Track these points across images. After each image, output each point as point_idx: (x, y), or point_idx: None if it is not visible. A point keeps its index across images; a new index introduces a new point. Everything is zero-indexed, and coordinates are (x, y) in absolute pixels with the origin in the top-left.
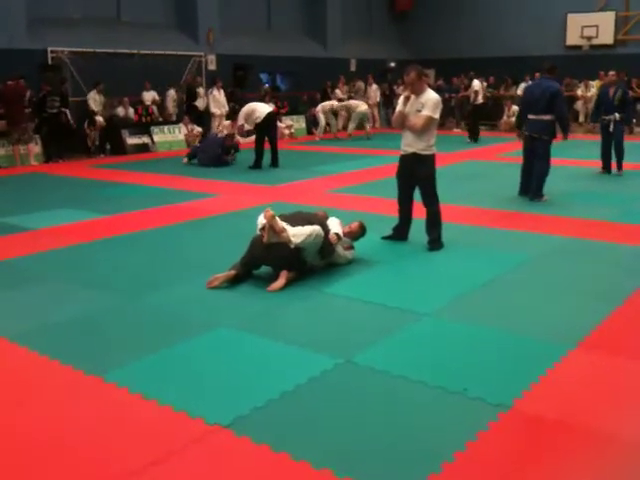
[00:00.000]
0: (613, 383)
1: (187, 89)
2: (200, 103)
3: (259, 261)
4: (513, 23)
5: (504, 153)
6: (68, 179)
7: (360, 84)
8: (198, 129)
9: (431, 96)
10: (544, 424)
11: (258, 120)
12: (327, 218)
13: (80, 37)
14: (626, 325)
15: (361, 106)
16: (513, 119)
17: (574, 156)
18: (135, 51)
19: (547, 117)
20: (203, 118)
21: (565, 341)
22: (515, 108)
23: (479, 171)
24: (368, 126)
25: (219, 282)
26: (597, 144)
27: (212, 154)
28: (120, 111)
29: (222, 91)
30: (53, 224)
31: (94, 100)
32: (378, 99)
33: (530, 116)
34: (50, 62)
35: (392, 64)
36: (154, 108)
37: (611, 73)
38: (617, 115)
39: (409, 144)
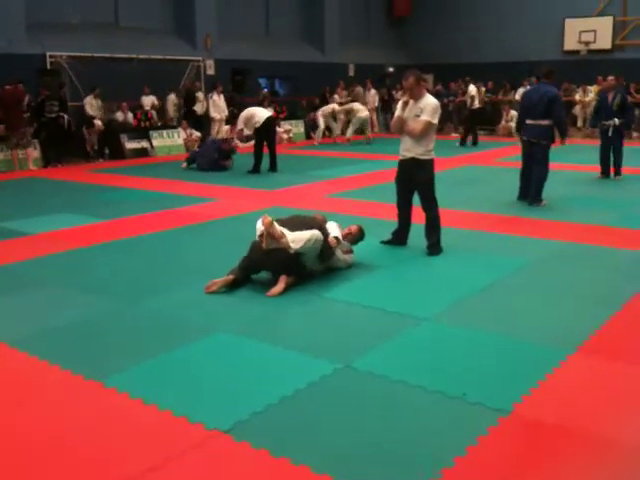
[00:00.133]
0: (612, 388)
1: (185, 94)
2: (198, 108)
3: (258, 266)
4: (511, 28)
5: (502, 158)
6: (67, 184)
7: (359, 89)
8: (197, 134)
9: (430, 101)
10: (544, 429)
11: (257, 125)
12: (326, 222)
13: (79, 42)
14: (625, 330)
15: (362, 111)
16: (511, 124)
17: (573, 161)
18: (134, 56)
19: (545, 122)
20: (202, 123)
21: (564, 346)
22: (513, 113)
23: (478, 176)
24: (368, 131)
25: (217, 287)
26: (596, 149)
27: (210, 159)
28: (119, 116)
29: (222, 96)
30: (52, 229)
31: (90, 105)
32: (377, 104)
33: (528, 121)
34: (49, 67)
35: (391, 69)
36: (153, 113)
37: (610, 78)
38: (616, 120)
39: (408, 149)
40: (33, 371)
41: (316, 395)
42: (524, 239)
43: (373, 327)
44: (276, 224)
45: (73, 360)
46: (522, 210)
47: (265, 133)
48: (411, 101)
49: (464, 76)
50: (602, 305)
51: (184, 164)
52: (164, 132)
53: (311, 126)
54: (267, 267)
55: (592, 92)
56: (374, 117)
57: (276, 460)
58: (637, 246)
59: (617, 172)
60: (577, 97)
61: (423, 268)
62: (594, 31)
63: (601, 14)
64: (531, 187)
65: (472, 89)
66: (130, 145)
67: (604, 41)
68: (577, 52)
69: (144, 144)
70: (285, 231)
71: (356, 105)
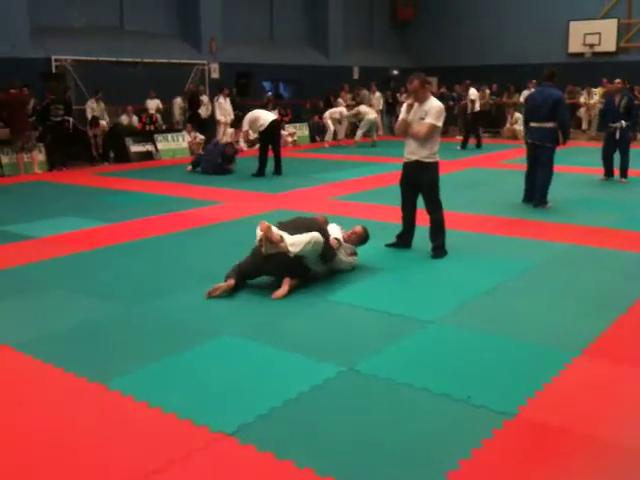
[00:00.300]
0: (617, 391)
1: (190, 97)
2: (203, 111)
3: (259, 272)
4: (515, 31)
5: (507, 160)
6: (72, 187)
7: (364, 92)
8: (200, 137)
9: (434, 104)
10: (549, 431)
11: (262, 128)
12: (327, 223)
13: (83, 46)
14: (630, 332)
15: (370, 113)
16: (516, 126)
17: (577, 163)
18: (138, 60)
19: (549, 124)
20: (206, 126)
21: (569, 349)
22: (518, 115)
23: (482, 178)
24: (375, 134)
25: (220, 292)
26: (600, 151)
27: (214, 163)
28: (124, 119)
29: (228, 99)
30: (56, 232)
31: (92, 109)
32: (381, 107)
33: (532, 124)
34: (53, 71)
35: (395, 72)
36: (158, 116)
37: (617, 81)
38: (623, 122)
39: (412, 152)
40: (37, 374)
41: (320, 398)
42: (529, 241)
43: (377, 330)
44: (274, 228)
45: (77, 363)
46: (526, 212)
47: (270, 136)
48: (416, 104)
49: (468, 79)
50: (607, 308)
51: (189, 167)
52: (169, 135)
53: (316, 129)
54: (268, 272)
55: (597, 94)
56: (379, 120)
57: (281, 463)
58: None
59: (623, 175)
60: (582, 100)
61: (427, 271)
62: (599, 34)
63: (605, 17)
64: (536, 190)
65: (472, 92)
66: (135, 148)
67: (608, 44)
68: (582, 55)
69: (149, 147)
70: (284, 235)
71: (363, 107)
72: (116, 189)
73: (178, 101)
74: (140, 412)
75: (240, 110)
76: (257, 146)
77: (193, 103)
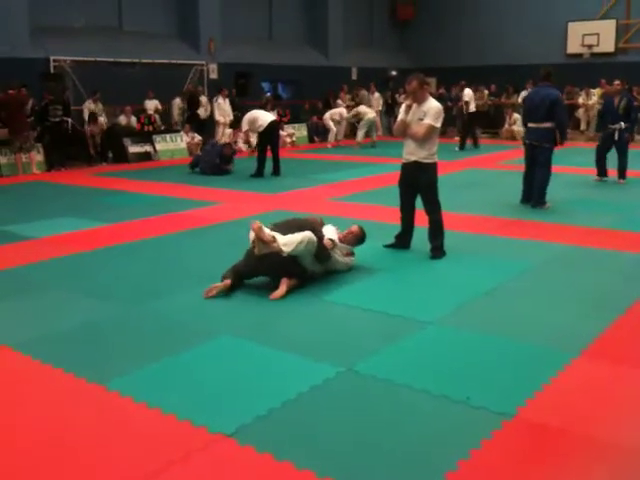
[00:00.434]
0: (617, 392)
1: (189, 97)
2: (202, 112)
3: (253, 273)
4: (514, 31)
5: (505, 161)
6: (70, 187)
7: (364, 92)
8: (199, 137)
9: (433, 105)
10: (548, 432)
11: (261, 129)
12: (322, 224)
13: (82, 46)
14: (629, 333)
15: (370, 113)
16: (514, 127)
17: (575, 164)
18: (137, 60)
19: (547, 125)
20: (204, 126)
21: (569, 349)
22: (516, 116)
23: (480, 179)
24: (374, 134)
25: (217, 291)
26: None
27: (212, 163)
28: (122, 120)
29: (227, 100)
30: (55, 233)
31: (89, 109)
32: (380, 107)
33: (530, 124)
34: (52, 71)
35: (394, 72)
36: (156, 117)
37: (616, 82)
38: (622, 124)
39: (411, 152)
40: (36, 374)
41: (319, 399)
42: (527, 242)
43: (376, 330)
44: (265, 229)
45: (76, 364)
46: (525, 213)
47: (268, 137)
48: (414, 104)
49: (467, 79)
50: (606, 309)
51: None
52: (167, 136)
53: (314, 130)
54: (262, 272)
55: (595, 95)
56: (378, 120)
57: (279, 464)
58: None
59: (621, 175)
60: (580, 100)
61: (426, 271)
62: (597, 34)
63: (604, 17)
64: (534, 190)
65: (466, 93)
66: (133, 149)
67: (607, 44)
68: (580, 55)
69: (147, 148)
70: (277, 235)
71: (362, 108)
72: (114, 190)
73: (177, 102)
74: (139, 413)
75: (239, 111)
76: (255, 147)
77: (192, 104)
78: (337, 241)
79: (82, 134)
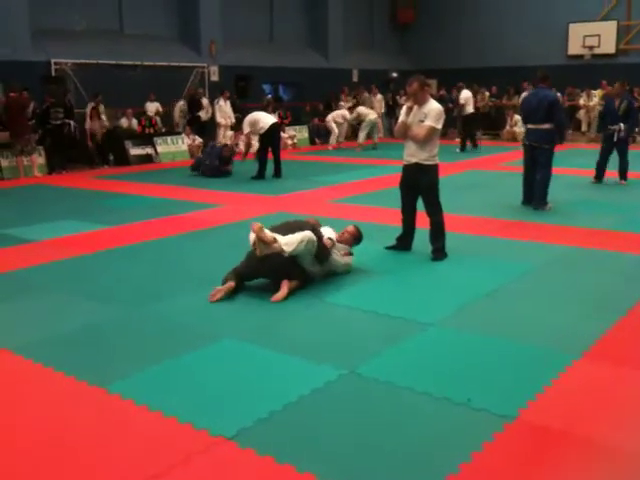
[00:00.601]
0: (618, 393)
1: (189, 100)
2: (203, 114)
3: (255, 274)
4: (515, 33)
5: (506, 162)
6: (71, 190)
7: (366, 94)
8: (199, 140)
9: (434, 106)
10: (549, 434)
11: (262, 131)
12: (319, 225)
13: (83, 49)
14: (631, 335)
15: (371, 114)
16: (515, 128)
17: (577, 165)
18: (138, 63)
19: (545, 126)
20: (206, 129)
21: (570, 351)
22: (517, 117)
23: (482, 180)
24: (376, 135)
25: (222, 295)
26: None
27: (211, 166)
28: (123, 122)
29: (228, 102)
30: (56, 235)
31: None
32: (383, 109)
33: (529, 126)
34: (53, 74)
35: (394, 74)
36: (157, 119)
37: (617, 84)
38: (622, 125)
39: (412, 154)
40: (37, 377)
41: (321, 401)
42: (528, 244)
43: (378, 332)
44: (266, 229)
45: (77, 367)
46: (526, 214)
47: (270, 139)
48: (415, 106)
49: (468, 81)
50: (607, 310)
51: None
52: (168, 138)
53: (315, 132)
54: (264, 274)
55: (596, 96)
56: (380, 122)
57: (281, 467)
58: None
59: (623, 177)
60: (581, 101)
61: (428, 273)
62: (598, 35)
63: (605, 19)
64: (535, 191)
65: (462, 96)
66: (134, 151)
67: (608, 45)
68: (581, 57)
69: (148, 150)
70: (277, 236)
71: (362, 109)
72: (116, 192)
73: (180, 104)
74: (140, 416)
75: (240, 113)
76: (256, 149)
77: (193, 106)
78: (335, 241)
79: (84, 137)
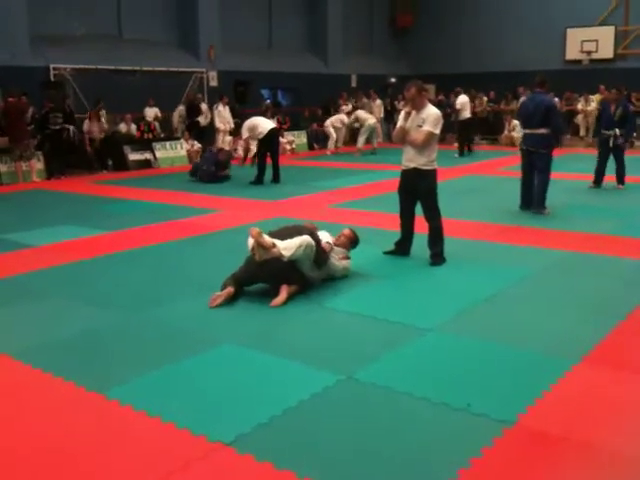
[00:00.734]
0: (617, 398)
1: (188, 105)
2: (202, 119)
3: (255, 279)
4: (513, 38)
5: (505, 167)
6: (70, 195)
7: (365, 100)
8: (198, 145)
9: (432, 111)
10: (548, 440)
11: (261, 136)
12: (317, 229)
13: (82, 54)
14: (630, 339)
15: (370, 119)
16: (513, 133)
17: (575, 170)
18: (137, 68)
19: (542, 131)
20: (205, 134)
21: (569, 356)
22: (515, 122)
23: (480, 185)
24: (375, 140)
25: (221, 300)
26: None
27: (208, 172)
28: (122, 127)
29: (227, 107)
30: (55, 241)
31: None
32: (382, 114)
33: (526, 130)
34: (52, 79)
35: (393, 79)
36: (156, 124)
37: (614, 91)
38: (617, 130)
39: (410, 159)
40: (36, 383)
41: (319, 407)
42: (527, 249)
43: (376, 337)
44: (265, 234)
45: (76, 372)
46: (524, 219)
47: (268, 144)
48: (413, 111)
49: (466, 86)
50: (606, 315)
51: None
52: (167, 144)
53: (314, 137)
54: (263, 279)
55: (594, 101)
56: (379, 127)
57: (279, 473)
58: None
59: (620, 181)
60: (579, 106)
61: (426, 278)
62: (596, 41)
63: (603, 24)
64: (533, 196)
65: (458, 101)
66: (133, 157)
67: (606, 50)
68: (579, 61)
69: (147, 155)
70: (276, 241)
71: (360, 113)
72: (115, 197)
73: (179, 109)
74: (139, 421)
75: (239, 118)
76: (254, 154)
77: (192, 111)
78: (332, 244)
79: (83, 142)
